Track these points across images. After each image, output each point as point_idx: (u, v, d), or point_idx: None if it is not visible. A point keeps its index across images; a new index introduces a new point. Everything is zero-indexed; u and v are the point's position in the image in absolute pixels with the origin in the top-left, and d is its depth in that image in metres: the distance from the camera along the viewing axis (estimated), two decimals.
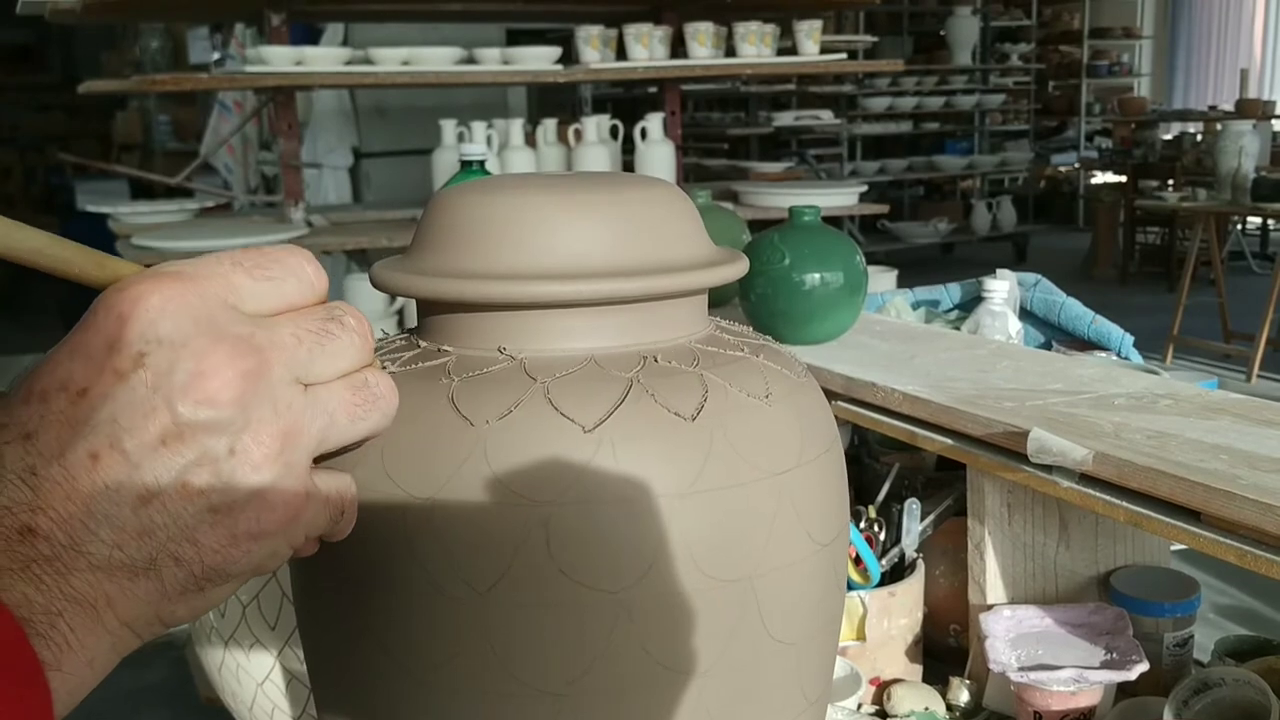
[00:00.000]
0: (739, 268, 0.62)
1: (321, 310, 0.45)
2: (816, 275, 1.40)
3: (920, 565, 1.27)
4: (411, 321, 0.66)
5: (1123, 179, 9.01)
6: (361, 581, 0.56)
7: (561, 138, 3.22)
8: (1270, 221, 8.50)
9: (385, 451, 0.55)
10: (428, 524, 0.53)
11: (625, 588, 0.53)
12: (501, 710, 0.55)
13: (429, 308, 0.61)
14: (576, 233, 0.58)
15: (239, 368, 0.41)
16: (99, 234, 3.96)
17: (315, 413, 0.44)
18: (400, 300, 2.76)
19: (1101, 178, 10.37)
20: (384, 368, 0.55)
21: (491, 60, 2.96)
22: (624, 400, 0.55)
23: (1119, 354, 1.67)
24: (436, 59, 2.91)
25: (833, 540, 0.61)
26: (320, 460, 0.46)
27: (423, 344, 0.61)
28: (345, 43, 3.91)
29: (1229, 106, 9.10)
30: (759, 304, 1.43)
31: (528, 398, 0.54)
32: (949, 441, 1.18)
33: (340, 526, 0.48)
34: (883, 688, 1.21)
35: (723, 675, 0.56)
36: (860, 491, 1.37)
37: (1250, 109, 7.96)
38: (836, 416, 1.09)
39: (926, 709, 1.17)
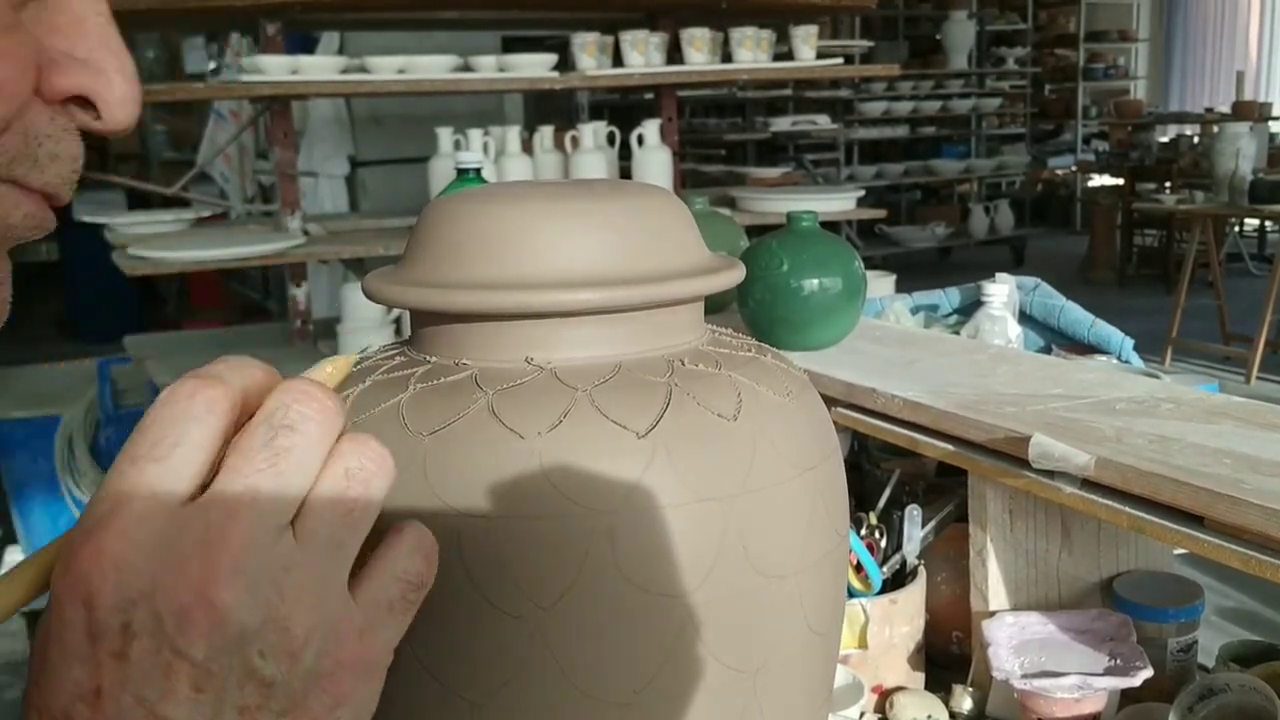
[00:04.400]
0: (730, 275, 0.62)
1: (262, 428, 0.39)
2: (815, 281, 1.39)
3: (922, 572, 1.26)
4: (408, 329, 0.65)
5: (1120, 182, 9.01)
6: None
7: (558, 145, 3.22)
8: (1268, 223, 8.51)
9: (429, 470, 0.53)
10: (484, 542, 0.52)
11: (689, 592, 0.53)
12: None
13: (433, 319, 0.59)
14: (574, 241, 0.58)
15: (217, 574, 0.36)
16: (96, 243, 3.96)
17: (317, 549, 0.39)
18: (396, 309, 2.75)
19: (1098, 180, 10.37)
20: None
21: (487, 68, 2.95)
22: (669, 405, 0.55)
23: (1119, 357, 1.67)
24: (432, 67, 2.91)
25: (846, 532, 0.63)
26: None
27: (431, 358, 0.59)
28: (341, 51, 3.91)
29: (1225, 108, 9.11)
30: (758, 310, 1.42)
31: (574, 407, 0.54)
32: (950, 447, 1.17)
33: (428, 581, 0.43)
34: (885, 696, 1.20)
35: (773, 671, 0.57)
36: (861, 498, 1.36)
37: (1246, 111, 7.97)
38: (836, 423, 1.09)
39: (929, 717, 1.16)
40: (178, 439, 0.38)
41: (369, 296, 0.60)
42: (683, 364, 0.58)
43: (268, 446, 0.38)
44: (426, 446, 0.54)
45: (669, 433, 0.54)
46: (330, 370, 0.45)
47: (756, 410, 0.57)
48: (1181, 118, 9.99)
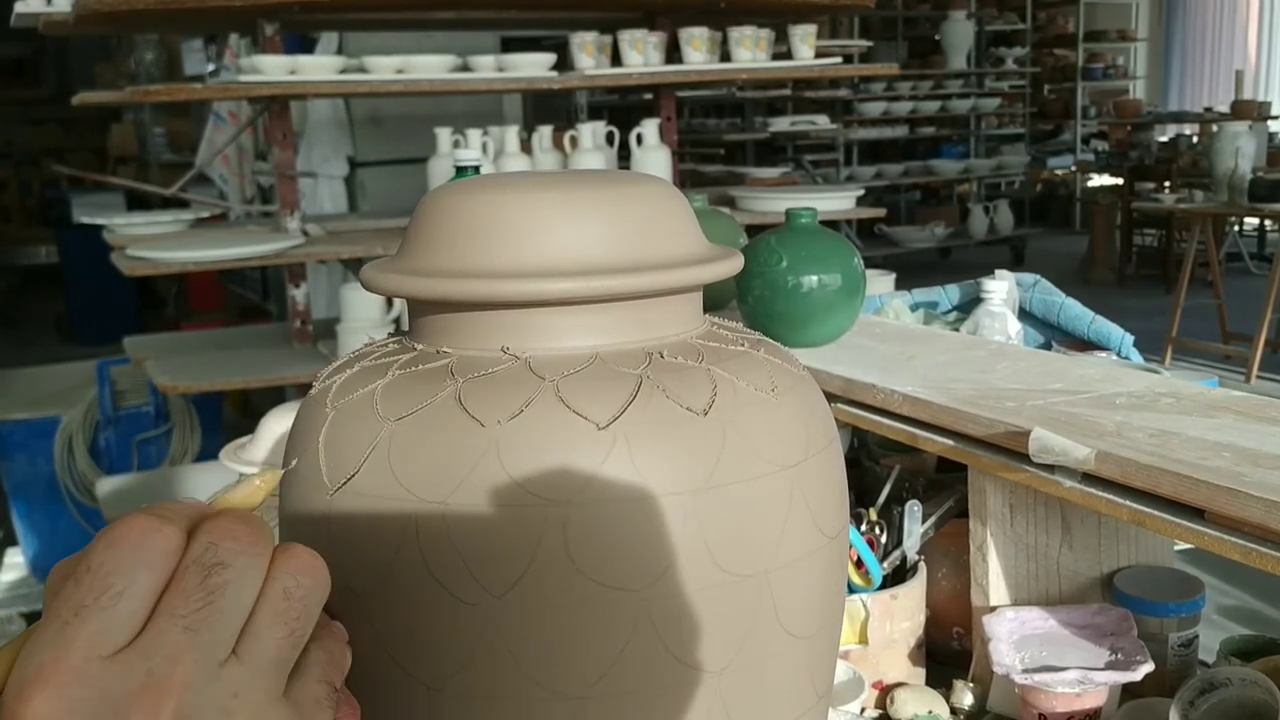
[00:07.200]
0: (731, 264, 0.62)
1: (192, 570, 0.39)
2: (814, 278, 1.39)
3: (922, 568, 1.26)
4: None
5: (1119, 181, 9.01)
6: (366, 592, 0.54)
7: (557, 144, 3.22)
8: (1267, 222, 8.51)
9: (393, 456, 0.54)
10: (440, 529, 0.52)
11: (645, 586, 0.53)
12: (519, 716, 0.54)
13: (423, 309, 0.60)
14: (569, 230, 0.58)
15: None
16: (95, 245, 3.95)
17: (263, 668, 0.40)
18: (396, 307, 2.76)
19: (1098, 180, 10.37)
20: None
21: (486, 68, 2.95)
22: (635, 397, 0.54)
23: (1119, 354, 1.67)
24: (431, 67, 2.91)
25: (839, 533, 0.61)
26: None
27: (419, 346, 0.60)
28: (339, 52, 3.90)
29: (1224, 108, 9.11)
30: (756, 307, 1.42)
31: (538, 396, 0.54)
32: (950, 443, 1.17)
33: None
34: (886, 691, 1.20)
35: (740, 672, 0.56)
36: (861, 494, 1.36)
37: (1245, 110, 7.96)
38: (836, 419, 1.09)
39: (930, 712, 1.15)
40: (124, 586, 0.38)
41: (365, 286, 0.60)
42: (661, 356, 0.57)
43: (202, 586, 0.39)
44: (391, 431, 0.54)
45: (632, 425, 0.53)
46: (259, 484, 0.46)
47: (731, 405, 0.56)
48: (1180, 117, 9.98)
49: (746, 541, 0.55)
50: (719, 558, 0.54)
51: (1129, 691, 1.12)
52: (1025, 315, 1.79)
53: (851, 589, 1.21)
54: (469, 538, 0.52)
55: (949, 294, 1.85)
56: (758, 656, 0.56)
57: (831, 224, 3.72)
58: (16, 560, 3.77)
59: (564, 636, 0.52)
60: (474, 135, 3.04)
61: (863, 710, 1.17)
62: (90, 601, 0.38)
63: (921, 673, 1.26)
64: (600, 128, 3.28)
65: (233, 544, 0.40)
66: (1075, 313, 1.74)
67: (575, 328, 0.57)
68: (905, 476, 1.35)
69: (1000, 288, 1.64)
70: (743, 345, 0.61)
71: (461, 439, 0.53)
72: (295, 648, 0.41)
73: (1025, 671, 1.08)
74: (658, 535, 0.53)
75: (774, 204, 3.20)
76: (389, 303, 2.77)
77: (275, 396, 3.47)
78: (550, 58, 3.05)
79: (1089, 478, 1.02)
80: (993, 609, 1.16)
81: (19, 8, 2.93)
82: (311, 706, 0.42)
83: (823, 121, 8.41)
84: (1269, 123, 8.32)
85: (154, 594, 0.39)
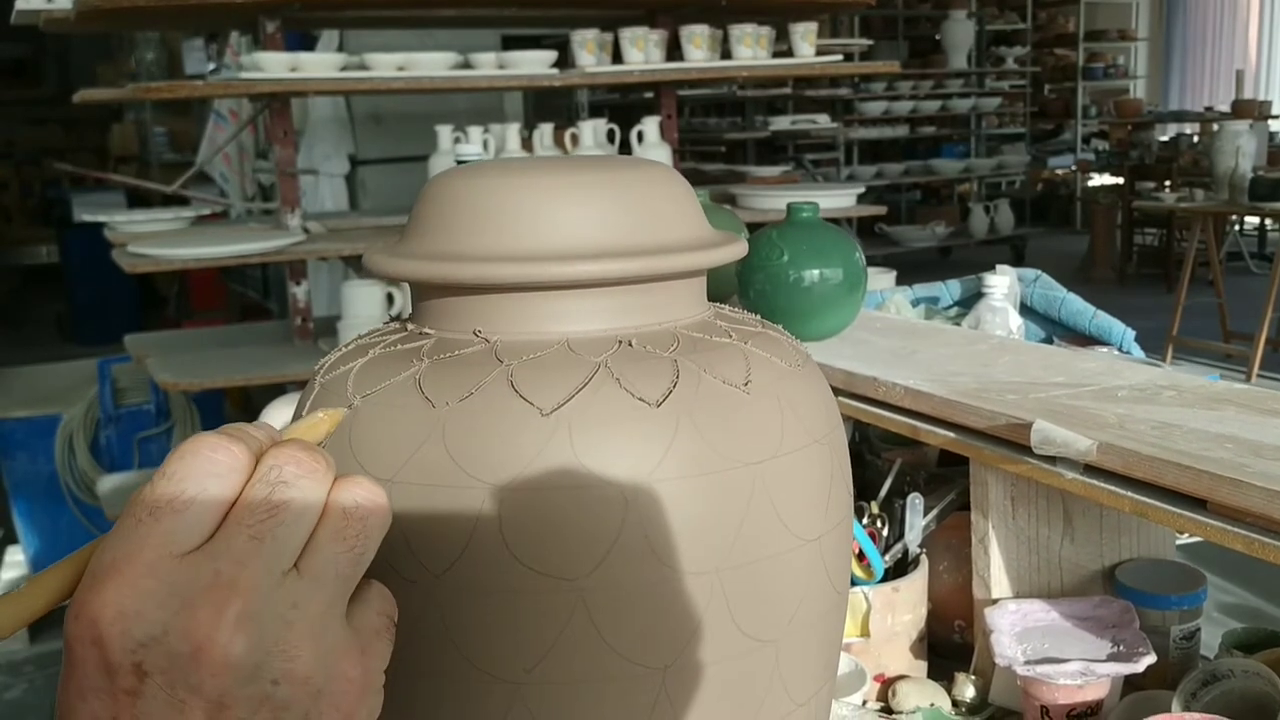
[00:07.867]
0: (731, 250, 0.61)
1: (258, 486, 0.42)
2: (815, 272, 1.39)
3: (924, 560, 1.26)
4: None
5: (1120, 181, 9.01)
6: None
7: (558, 142, 3.22)
8: (1268, 221, 8.50)
9: (353, 433, 0.55)
10: None
11: (581, 576, 0.52)
12: (459, 696, 0.54)
13: (419, 293, 0.60)
14: (567, 214, 0.57)
15: (228, 618, 0.39)
16: (96, 244, 3.95)
17: (324, 582, 0.42)
18: (397, 303, 2.76)
19: (1098, 180, 10.37)
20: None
21: (487, 65, 2.95)
22: (587, 384, 0.53)
23: (1120, 349, 1.67)
24: (432, 64, 2.91)
25: (821, 535, 0.59)
26: None
27: (410, 328, 0.61)
28: (340, 50, 3.90)
29: (1225, 107, 9.11)
30: (758, 300, 1.42)
31: (490, 380, 0.54)
32: (951, 435, 1.17)
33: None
34: (888, 684, 1.20)
35: (689, 670, 0.55)
36: (863, 487, 1.36)
37: (1246, 109, 7.97)
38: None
39: (932, 705, 1.15)
40: (197, 493, 0.41)
41: (367, 269, 0.60)
42: (630, 344, 0.56)
43: (266, 500, 0.41)
44: (357, 409, 0.55)
45: (578, 413, 0.53)
46: (322, 418, 0.50)
47: (690, 397, 0.54)
48: (1181, 116, 9.98)
49: (693, 537, 0.53)
50: (661, 552, 0.53)
51: (1131, 684, 1.12)
52: (1026, 310, 1.79)
53: (854, 581, 1.21)
54: (412, 516, 0.53)
55: (950, 289, 1.86)
56: (710, 656, 0.55)
57: (832, 222, 3.72)
58: (17, 559, 3.77)
59: (499, 621, 0.52)
60: (475, 133, 3.04)
61: (865, 703, 1.17)
62: (164, 504, 0.40)
63: (923, 665, 1.26)
64: (601, 125, 3.28)
65: (295, 467, 0.42)
66: (1076, 308, 1.74)
67: (551, 313, 0.57)
68: (907, 469, 1.35)
69: (1001, 283, 1.64)
70: (730, 337, 0.59)
71: (413, 418, 0.54)
72: (355, 565, 0.43)
73: (1027, 664, 1.08)
74: (594, 525, 0.52)
75: (775, 202, 3.19)
76: (390, 299, 2.78)
77: (276, 394, 3.46)
78: (551, 55, 3.05)
79: (1091, 469, 1.02)
80: (994, 601, 1.16)
81: (19, 5, 2.93)
82: (371, 635, 0.44)
83: (823, 120, 8.40)
84: (1269, 122, 8.33)
85: (223, 505, 0.41)
